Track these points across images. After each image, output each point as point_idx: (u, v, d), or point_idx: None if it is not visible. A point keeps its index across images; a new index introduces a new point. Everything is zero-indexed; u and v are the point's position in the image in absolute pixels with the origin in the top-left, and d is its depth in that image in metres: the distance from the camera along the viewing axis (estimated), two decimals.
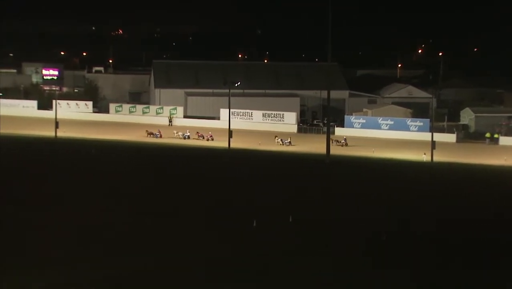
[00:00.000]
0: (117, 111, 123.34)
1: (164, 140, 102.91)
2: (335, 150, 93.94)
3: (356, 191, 69.99)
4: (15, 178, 70.88)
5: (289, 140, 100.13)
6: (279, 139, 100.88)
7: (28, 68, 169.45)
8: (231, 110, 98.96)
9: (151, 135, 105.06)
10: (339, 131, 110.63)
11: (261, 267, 44.16)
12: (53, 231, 51.14)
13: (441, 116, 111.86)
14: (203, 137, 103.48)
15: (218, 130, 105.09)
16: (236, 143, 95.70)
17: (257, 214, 56.26)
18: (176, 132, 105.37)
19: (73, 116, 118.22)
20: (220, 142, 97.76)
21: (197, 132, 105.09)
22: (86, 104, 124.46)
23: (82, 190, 66.00)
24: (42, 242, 48.02)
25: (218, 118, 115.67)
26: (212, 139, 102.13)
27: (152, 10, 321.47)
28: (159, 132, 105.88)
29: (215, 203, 61.93)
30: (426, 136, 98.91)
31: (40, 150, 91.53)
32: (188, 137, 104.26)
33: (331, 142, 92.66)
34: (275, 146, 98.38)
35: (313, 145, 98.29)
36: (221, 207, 60.57)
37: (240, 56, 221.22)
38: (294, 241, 50.34)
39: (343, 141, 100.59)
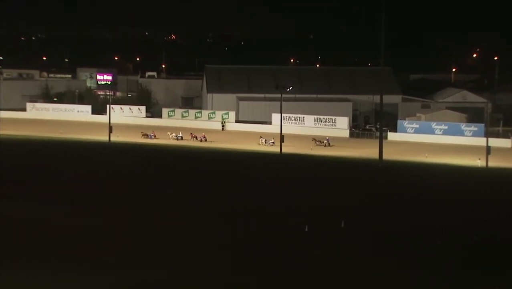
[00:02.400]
0: (169, 116, 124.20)
1: (160, 141, 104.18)
2: (319, 151, 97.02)
3: (413, 195, 69.18)
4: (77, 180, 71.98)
5: (272, 140, 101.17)
6: (263, 139, 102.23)
7: (83, 74, 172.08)
8: (283, 115, 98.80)
9: (146, 136, 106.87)
10: (392, 136, 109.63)
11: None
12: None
13: (496, 121, 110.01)
14: (197, 138, 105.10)
15: (270, 135, 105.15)
16: (288, 148, 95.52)
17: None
18: (170, 134, 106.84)
19: (127, 121, 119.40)
20: (216, 144, 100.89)
21: (191, 133, 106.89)
22: (139, 109, 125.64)
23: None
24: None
25: (270, 123, 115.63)
26: (206, 140, 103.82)
27: (205, 15, 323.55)
28: (154, 133, 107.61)
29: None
30: (481, 141, 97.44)
31: (94, 154, 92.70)
32: (181, 138, 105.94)
33: (313, 142, 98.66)
34: (328, 150, 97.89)
35: (365, 150, 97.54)
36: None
37: (292, 60, 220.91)
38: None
39: (326, 141, 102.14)
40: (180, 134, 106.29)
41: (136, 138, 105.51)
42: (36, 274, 42.06)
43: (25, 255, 45.79)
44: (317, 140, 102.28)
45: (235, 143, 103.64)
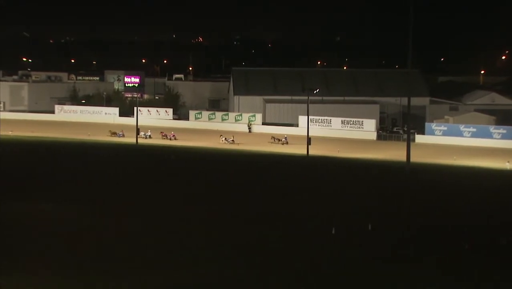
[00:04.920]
0: (196, 118, 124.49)
1: (154, 141, 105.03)
2: (276, 148, 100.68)
3: (440, 198, 68.73)
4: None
5: (232, 138, 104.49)
6: (223, 138, 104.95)
7: (111, 76, 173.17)
8: (309, 117, 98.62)
9: (115, 135, 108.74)
10: (419, 138, 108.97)
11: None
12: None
13: None
14: (166, 137, 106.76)
15: (297, 137, 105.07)
16: (315, 150, 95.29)
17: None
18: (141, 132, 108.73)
19: (154, 123, 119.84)
20: (184, 142, 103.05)
21: (161, 132, 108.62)
22: (166, 111, 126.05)
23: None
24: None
25: (297, 125, 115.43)
26: (175, 139, 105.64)
27: (232, 17, 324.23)
28: (122, 132, 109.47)
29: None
30: (509, 144, 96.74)
31: (124, 156, 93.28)
32: (150, 136, 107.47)
33: (272, 140, 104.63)
34: (355, 153, 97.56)
35: (392, 152, 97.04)
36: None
37: (319, 63, 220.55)
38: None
39: (284, 139, 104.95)
40: (149, 133, 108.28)
41: (163, 141, 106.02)
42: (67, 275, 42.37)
43: (57, 256, 46.16)
44: (276, 138, 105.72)
45: (262, 145, 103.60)
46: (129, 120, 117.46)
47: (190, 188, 71.01)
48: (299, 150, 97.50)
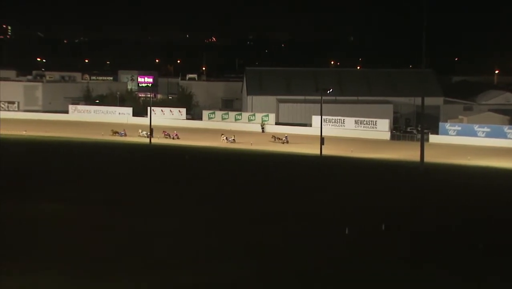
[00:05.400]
0: (210, 118, 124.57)
1: (164, 141, 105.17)
2: (277, 147, 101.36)
3: (454, 198, 68.49)
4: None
5: (233, 138, 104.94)
6: (224, 137, 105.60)
7: (124, 76, 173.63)
8: (323, 117, 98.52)
9: (116, 134, 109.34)
10: (433, 138, 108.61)
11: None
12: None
13: None
14: (169, 136, 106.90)
15: (310, 137, 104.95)
16: (328, 150, 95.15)
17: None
18: (141, 131, 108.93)
19: (167, 123, 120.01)
20: (187, 141, 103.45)
21: (164, 131, 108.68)
22: (179, 111, 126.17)
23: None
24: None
25: (310, 125, 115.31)
26: (178, 138, 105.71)
27: (246, 17, 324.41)
28: (124, 131, 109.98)
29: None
30: None
31: (138, 156, 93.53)
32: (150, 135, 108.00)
33: (273, 139, 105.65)
34: (368, 153, 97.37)
35: (406, 152, 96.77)
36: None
37: (332, 62, 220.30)
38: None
39: (284, 138, 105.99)
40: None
41: (175, 141, 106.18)
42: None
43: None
44: (276, 138, 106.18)
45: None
46: (143, 120, 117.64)
47: (207, 187, 71.03)
48: (304, 149, 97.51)
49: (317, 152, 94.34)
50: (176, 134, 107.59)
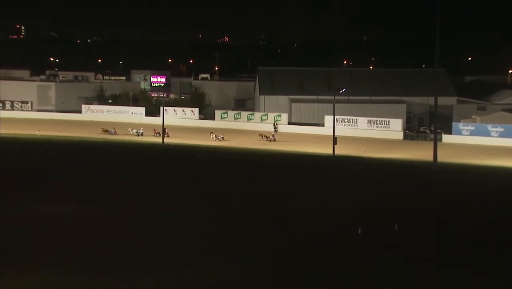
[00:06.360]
0: (222, 118, 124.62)
1: (145, 138, 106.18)
2: (268, 145, 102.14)
3: (468, 197, 68.25)
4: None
5: (221, 136, 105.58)
6: (214, 135, 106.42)
7: (137, 76, 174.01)
8: (335, 117, 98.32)
9: (107, 132, 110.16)
10: (446, 138, 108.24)
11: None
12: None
13: None
14: (159, 135, 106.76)
15: (323, 137, 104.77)
16: (341, 150, 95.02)
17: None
18: (131, 130, 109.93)
19: (180, 123, 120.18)
20: (174, 139, 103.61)
21: (154, 129, 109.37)
22: (192, 111, 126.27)
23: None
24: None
25: (323, 125, 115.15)
26: (168, 136, 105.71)
27: (258, 17, 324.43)
28: (114, 129, 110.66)
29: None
30: None
31: (151, 155, 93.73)
32: (142, 134, 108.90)
33: (260, 138, 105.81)
34: (381, 153, 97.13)
35: (419, 152, 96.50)
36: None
37: (345, 62, 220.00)
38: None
39: (271, 137, 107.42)
40: (141, 130, 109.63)
41: (189, 140, 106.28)
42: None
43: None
44: (263, 136, 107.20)
45: (288, 145, 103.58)
46: (155, 120, 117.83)
47: (219, 187, 71.14)
48: (323, 149, 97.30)
49: (330, 151, 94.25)
50: (167, 133, 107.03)
